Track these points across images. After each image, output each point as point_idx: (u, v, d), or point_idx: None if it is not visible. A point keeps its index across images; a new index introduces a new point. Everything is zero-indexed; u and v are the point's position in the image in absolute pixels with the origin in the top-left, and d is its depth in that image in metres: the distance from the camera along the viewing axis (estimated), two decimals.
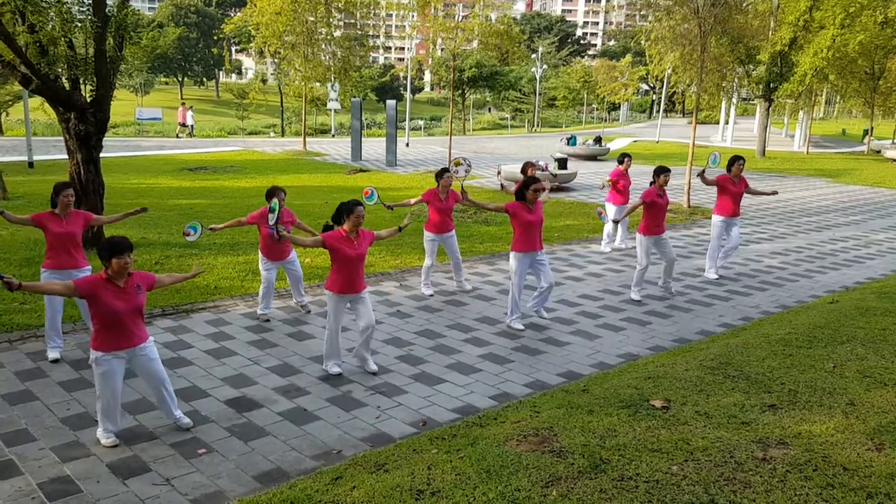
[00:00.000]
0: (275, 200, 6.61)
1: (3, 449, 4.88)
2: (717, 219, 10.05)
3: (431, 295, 8.92)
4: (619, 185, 11.50)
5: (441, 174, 8.87)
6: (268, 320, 7.79)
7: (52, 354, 6.44)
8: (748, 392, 5.30)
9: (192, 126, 36.16)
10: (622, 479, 4.01)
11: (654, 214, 8.83)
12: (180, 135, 35.39)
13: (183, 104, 39.24)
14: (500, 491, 3.93)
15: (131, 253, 4.87)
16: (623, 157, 11.63)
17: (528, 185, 7.58)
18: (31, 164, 20.16)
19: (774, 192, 10.39)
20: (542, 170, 18.78)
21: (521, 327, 7.74)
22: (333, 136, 38.76)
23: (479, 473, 4.15)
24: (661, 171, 8.89)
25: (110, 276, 4.82)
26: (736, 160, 9.86)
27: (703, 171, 9.77)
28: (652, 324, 8.08)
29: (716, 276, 10.08)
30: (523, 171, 10.38)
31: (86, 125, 9.69)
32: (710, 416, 4.86)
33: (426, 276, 9.01)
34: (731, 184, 9.85)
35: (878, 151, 33.42)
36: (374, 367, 6.45)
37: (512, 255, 7.76)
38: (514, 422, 5.08)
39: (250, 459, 4.86)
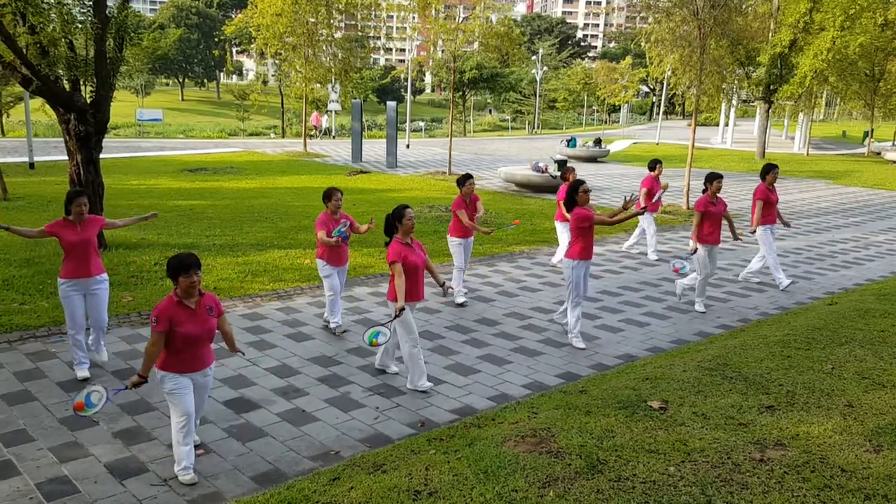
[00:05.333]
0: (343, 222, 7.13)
1: (2, 449, 4.89)
2: (764, 228, 9.67)
3: (464, 303, 8.68)
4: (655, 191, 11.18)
5: (463, 181, 8.55)
6: (344, 332, 7.48)
7: (81, 373, 6.15)
8: (746, 393, 5.30)
9: (326, 128, 38.36)
10: (619, 479, 4.01)
11: (708, 223, 8.52)
12: (312, 135, 36.75)
13: (317, 110, 40.48)
14: (497, 491, 3.93)
15: (199, 270, 4.50)
16: (654, 164, 11.37)
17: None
18: (32, 165, 20.22)
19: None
20: (542, 171, 18.83)
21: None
22: (334, 137, 38.82)
23: (477, 474, 4.15)
24: (714, 178, 8.54)
25: (181, 297, 4.50)
26: (771, 168, 9.62)
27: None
28: (650, 325, 8.08)
29: (790, 282, 9.78)
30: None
31: (85, 126, 9.71)
32: (708, 417, 4.86)
33: (460, 282, 8.78)
34: (773, 194, 9.62)
35: (879, 153, 33.46)
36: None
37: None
38: (512, 423, 5.08)
39: (248, 460, 4.86)
